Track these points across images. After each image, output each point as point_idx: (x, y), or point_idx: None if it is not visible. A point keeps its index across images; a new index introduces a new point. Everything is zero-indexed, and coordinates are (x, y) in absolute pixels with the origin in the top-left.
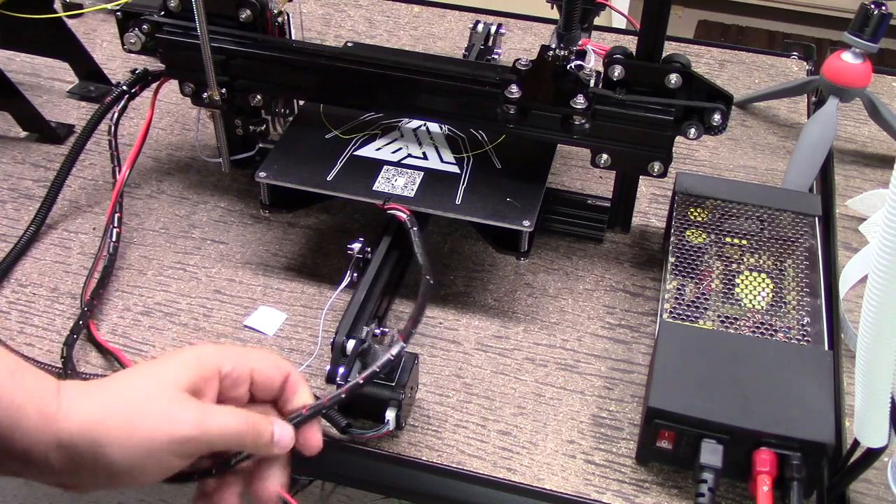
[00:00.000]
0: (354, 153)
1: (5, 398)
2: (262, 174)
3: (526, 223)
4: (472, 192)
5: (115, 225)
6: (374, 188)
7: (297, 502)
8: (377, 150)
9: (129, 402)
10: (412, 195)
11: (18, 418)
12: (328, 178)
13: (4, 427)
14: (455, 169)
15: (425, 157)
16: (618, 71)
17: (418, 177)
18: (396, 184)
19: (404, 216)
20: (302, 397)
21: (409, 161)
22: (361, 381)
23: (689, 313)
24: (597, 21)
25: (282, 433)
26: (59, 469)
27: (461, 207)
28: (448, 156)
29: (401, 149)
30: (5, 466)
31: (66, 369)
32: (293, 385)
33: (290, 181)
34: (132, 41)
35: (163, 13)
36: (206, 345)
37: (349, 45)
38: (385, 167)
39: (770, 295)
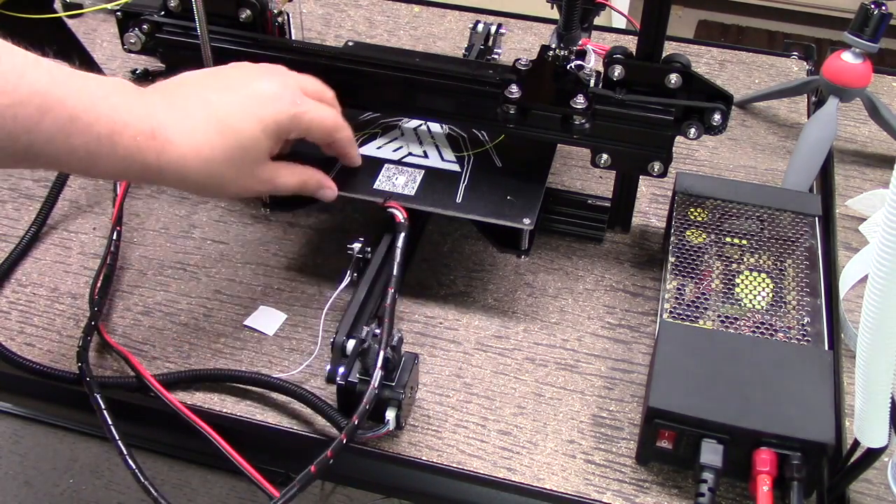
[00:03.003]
0: None
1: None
2: None
3: (526, 221)
4: (473, 190)
5: (119, 224)
6: (374, 187)
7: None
8: (378, 148)
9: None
10: (413, 193)
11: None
12: (329, 177)
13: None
14: (455, 167)
15: (426, 156)
16: (618, 71)
17: (419, 175)
18: (397, 182)
19: (400, 217)
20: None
21: (409, 160)
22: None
23: (689, 313)
24: (597, 21)
25: (326, 190)
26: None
27: (462, 206)
28: (449, 154)
29: (401, 147)
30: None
31: (84, 373)
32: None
33: None
34: (132, 41)
35: (163, 13)
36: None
37: (349, 44)
38: (386, 165)
39: (770, 295)
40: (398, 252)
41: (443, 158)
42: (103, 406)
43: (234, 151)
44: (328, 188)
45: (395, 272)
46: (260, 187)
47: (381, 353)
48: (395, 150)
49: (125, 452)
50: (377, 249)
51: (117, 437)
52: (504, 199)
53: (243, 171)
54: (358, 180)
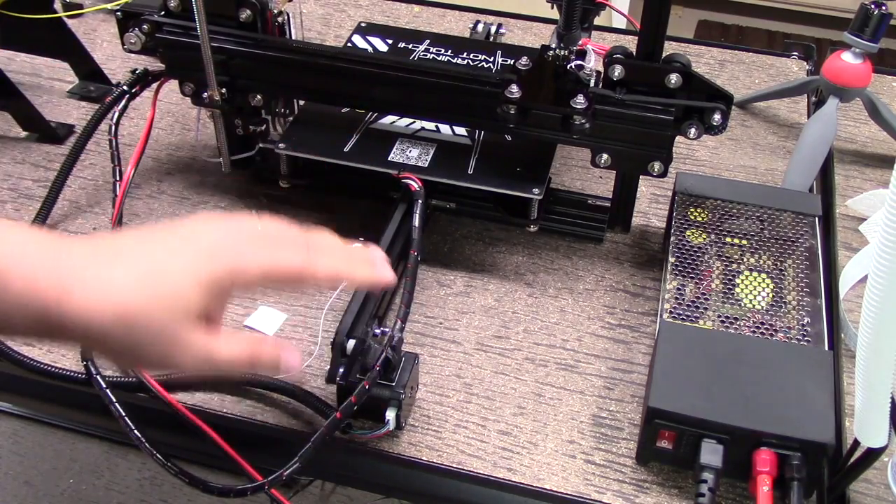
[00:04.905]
0: (370, 126)
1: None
2: (282, 145)
3: (535, 191)
4: (484, 162)
5: (119, 225)
6: (389, 159)
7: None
8: (392, 122)
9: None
10: (426, 165)
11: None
12: (345, 150)
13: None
14: (467, 140)
15: (438, 130)
16: (618, 71)
17: (431, 148)
18: (411, 155)
19: (416, 186)
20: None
21: (422, 133)
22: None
23: (689, 313)
24: (597, 21)
25: (289, 359)
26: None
27: (473, 177)
28: (460, 128)
29: (414, 121)
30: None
31: (90, 373)
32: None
33: (308, 152)
34: (132, 41)
35: (163, 13)
36: (222, 236)
37: (349, 44)
38: (400, 139)
39: (770, 295)
40: (417, 217)
41: (454, 132)
42: (115, 400)
43: (154, 307)
44: (292, 364)
45: (416, 235)
46: (189, 360)
47: (383, 353)
48: (408, 125)
49: (142, 439)
50: (392, 218)
51: (132, 428)
52: (514, 171)
53: (166, 335)
54: (373, 153)
